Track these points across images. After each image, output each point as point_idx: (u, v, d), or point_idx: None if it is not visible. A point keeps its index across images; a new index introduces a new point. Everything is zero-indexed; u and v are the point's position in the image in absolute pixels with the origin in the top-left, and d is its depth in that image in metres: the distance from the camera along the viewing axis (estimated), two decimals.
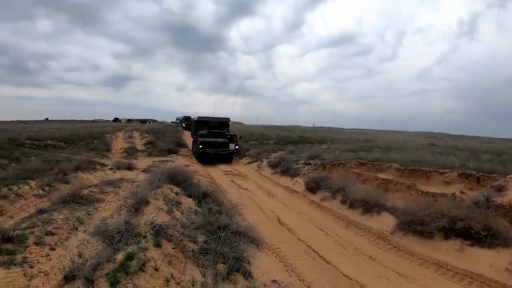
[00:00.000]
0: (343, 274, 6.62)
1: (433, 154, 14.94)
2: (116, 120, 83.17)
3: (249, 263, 6.00)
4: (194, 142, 25.66)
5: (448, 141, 31.63)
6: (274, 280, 5.79)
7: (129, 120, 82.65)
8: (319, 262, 7.20)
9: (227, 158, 23.07)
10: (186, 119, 48.86)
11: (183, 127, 48.91)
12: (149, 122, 77.59)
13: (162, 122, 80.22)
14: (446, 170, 10.23)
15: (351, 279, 6.44)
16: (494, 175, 9.14)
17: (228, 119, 27.26)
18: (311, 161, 17.32)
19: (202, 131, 23.99)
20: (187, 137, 33.85)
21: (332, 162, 15.51)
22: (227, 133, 24.91)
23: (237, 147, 24.49)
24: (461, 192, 9.23)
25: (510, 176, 8.82)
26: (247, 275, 5.52)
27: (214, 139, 23.10)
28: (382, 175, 12.25)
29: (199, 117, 26.30)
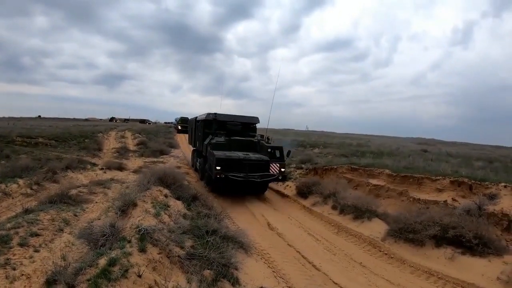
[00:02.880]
0: (333, 282, 6.54)
1: (425, 161, 14.97)
2: (112, 119, 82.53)
3: (237, 269, 5.94)
4: (200, 155, 16.40)
5: (440, 148, 31.66)
6: (262, 287, 5.74)
7: (126, 120, 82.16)
8: (308, 269, 7.11)
9: (262, 188, 14.14)
10: (183, 120, 42.33)
11: (178, 130, 42.63)
12: (149, 123, 77.16)
13: (155, 123, 79.63)
14: (438, 177, 10.25)
15: (341, 287, 6.35)
16: (487, 183, 9.15)
17: (257, 119, 16.16)
18: (303, 165, 17.21)
19: (217, 139, 13.91)
20: (181, 142, 33.25)
21: (324, 167, 15.46)
22: (263, 143, 14.19)
23: (283, 169, 13.40)
24: (453, 199, 9.22)
25: (503, 184, 8.83)
26: (235, 281, 5.45)
27: (243, 153, 13.29)
28: (374, 181, 12.22)
29: (209, 114, 15.30)
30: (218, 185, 12.96)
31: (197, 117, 18.21)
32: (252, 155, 12.91)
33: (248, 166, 12.24)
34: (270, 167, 12.80)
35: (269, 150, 13.17)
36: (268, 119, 16.08)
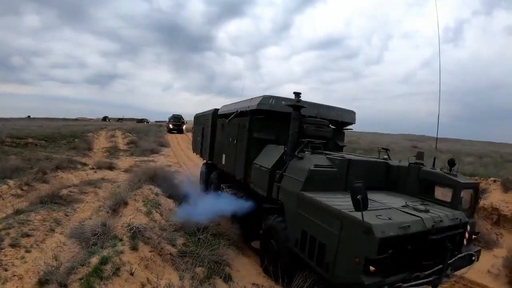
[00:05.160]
0: None
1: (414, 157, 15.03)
2: (105, 119, 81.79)
3: (229, 266, 5.98)
4: (211, 183, 11.27)
5: (431, 144, 31.96)
6: (254, 283, 5.80)
7: (119, 120, 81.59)
8: None
9: None
10: (175, 118, 40.58)
11: (169, 129, 39.64)
12: (147, 122, 76.68)
13: (147, 122, 78.98)
14: None
15: None
16: (476, 177, 9.29)
17: (352, 115, 8.90)
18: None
19: (317, 159, 5.85)
20: (172, 141, 32.88)
21: None
22: (415, 168, 6.06)
23: (475, 235, 5.54)
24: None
25: (492, 179, 8.98)
26: (227, 278, 5.50)
27: (400, 204, 5.08)
28: None
29: (264, 100, 7.35)
30: None
31: (216, 110, 10.86)
32: (423, 210, 4.83)
33: (440, 245, 4.58)
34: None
35: (423, 182, 5.83)
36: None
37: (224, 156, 9.52)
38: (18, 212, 7.94)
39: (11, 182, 11.28)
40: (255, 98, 7.56)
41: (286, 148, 6.41)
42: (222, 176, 10.16)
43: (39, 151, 20.00)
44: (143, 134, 35.29)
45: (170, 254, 5.24)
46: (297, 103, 6.44)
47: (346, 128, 9.10)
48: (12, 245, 6.05)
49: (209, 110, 11.59)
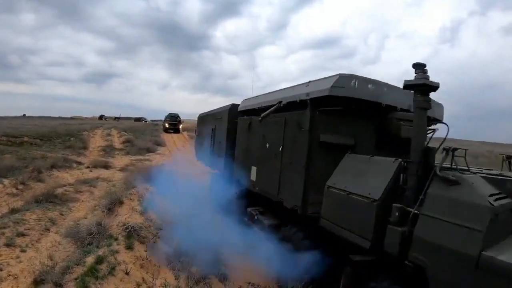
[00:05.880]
0: None
1: None
2: (101, 117, 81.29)
3: (225, 265, 5.98)
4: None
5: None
6: (250, 283, 5.80)
7: (116, 118, 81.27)
8: None
9: None
10: (172, 117, 39.36)
11: (165, 128, 38.69)
12: (145, 121, 76.35)
13: (145, 121, 78.54)
14: None
15: None
16: None
17: (441, 108, 5.99)
18: None
19: None
20: (167, 140, 32.40)
21: None
22: None
23: None
24: None
25: None
26: (223, 277, 5.49)
27: None
28: None
29: (340, 79, 4.60)
30: None
31: (234, 106, 8.72)
32: None
33: None
34: None
35: None
36: None
37: (254, 169, 6.93)
38: (13, 211, 7.92)
39: (6, 181, 11.25)
40: (319, 80, 5.03)
41: (405, 162, 3.87)
42: (246, 196, 7.58)
43: (35, 150, 19.92)
44: (139, 133, 35.18)
45: (166, 253, 5.25)
46: (425, 81, 3.73)
47: (430, 128, 5.52)
48: (7, 245, 6.04)
49: (224, 107, 9.29)
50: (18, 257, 5.76)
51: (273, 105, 5.82)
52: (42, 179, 12.60)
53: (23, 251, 6.01)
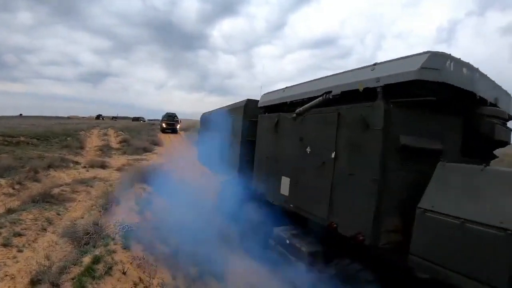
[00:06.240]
0: None
1: None
2: (99, 117, 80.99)
3: (223, 265, 5.97)
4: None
5: None
6: (248, 282, 5.81)
7: (113, 118, 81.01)
8: None
9: None
10: (170, 117, 38.59)
11: (163, 128, 37.74)
12: (143, 120, 76.09)
13: (143, 120, 78.25)
14: None
15: None
16: None
17: None
18: None
19: None
20: (164, 139, 32.29)
21: None
22: None
23: None
24: None
25: None
26: (221, 278, 5.49)
27: None
28: None
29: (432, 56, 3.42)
30: None
31: (251, 101, 7.46)
32: None
33: None
34: None
35: None
36: None
37: (287, 181, 5.50)
38: (9, 211, 7.88)
39: (2, 181, 11.21)
40: (391, 61, 3.81)
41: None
42: (268, 210, 6.26)
43: (31, 149, 19.85)
44: (135, 132, 35.08)
45: (163, 253, 5.25)
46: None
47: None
48: (4, 245, 6.02)
49: (237, 103, 8.01)
50: (15, 257, 5.75)
51: (312, 98, 4.68)
52: (39, 179, 12.56)
53: (20, 251, 5.99)
